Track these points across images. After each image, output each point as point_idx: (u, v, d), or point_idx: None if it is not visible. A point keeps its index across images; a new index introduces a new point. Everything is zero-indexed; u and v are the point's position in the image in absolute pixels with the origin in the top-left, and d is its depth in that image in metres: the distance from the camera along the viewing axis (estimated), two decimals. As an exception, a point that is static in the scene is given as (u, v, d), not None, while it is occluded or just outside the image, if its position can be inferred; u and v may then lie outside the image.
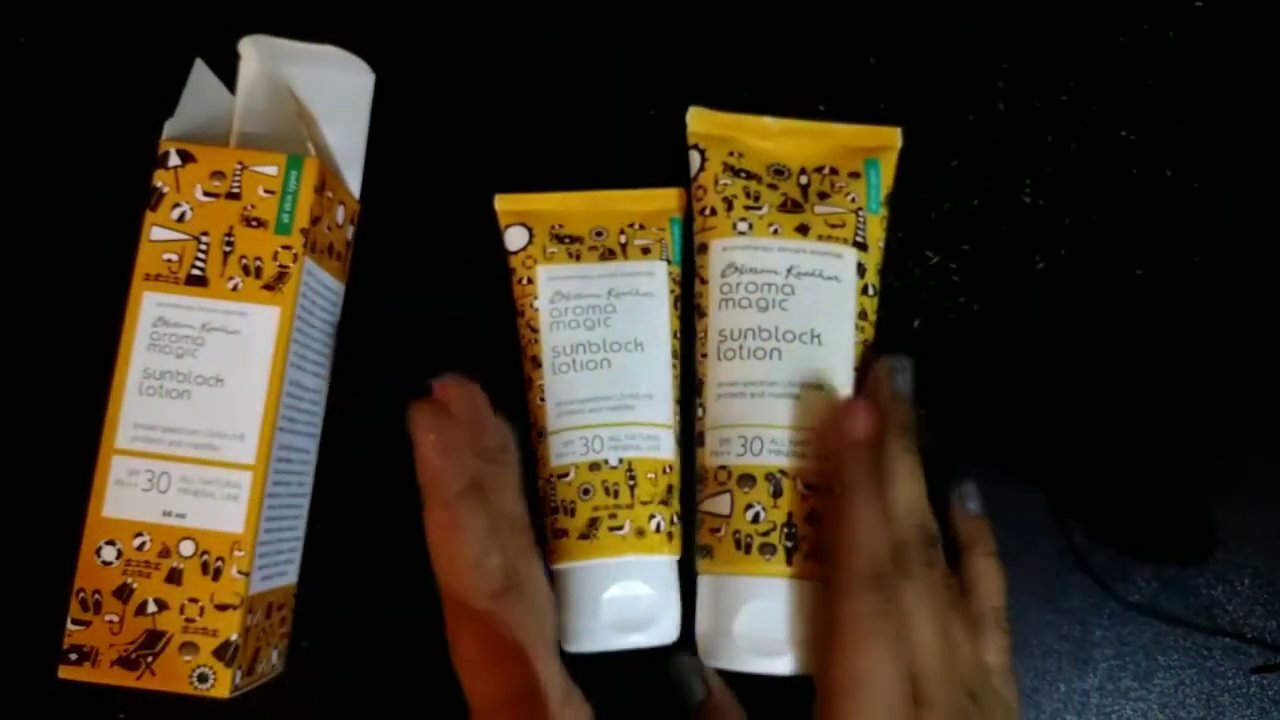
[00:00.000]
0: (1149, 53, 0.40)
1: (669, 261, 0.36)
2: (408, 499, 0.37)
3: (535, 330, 0.36)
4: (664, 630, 0.34)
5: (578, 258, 0.36)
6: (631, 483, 0.34)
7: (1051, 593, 0.37)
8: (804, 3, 0.40)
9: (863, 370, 0.35)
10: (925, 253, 0.39)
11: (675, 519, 0.35)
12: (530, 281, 0.36)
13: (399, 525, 0.37)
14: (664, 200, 0.37)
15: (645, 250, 0.36)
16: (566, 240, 0.36)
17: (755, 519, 0.33)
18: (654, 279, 0.36)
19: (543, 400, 0.35)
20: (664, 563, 0.34)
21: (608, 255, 0.36)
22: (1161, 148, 0.40)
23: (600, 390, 0.35)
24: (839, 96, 0.39)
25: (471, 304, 0.38)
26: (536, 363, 0.35)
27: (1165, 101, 0.40)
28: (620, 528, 0.34)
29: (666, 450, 0.35)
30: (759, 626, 0.32)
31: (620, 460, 0.34)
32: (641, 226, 0.37)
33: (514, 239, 0.36)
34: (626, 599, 0.34)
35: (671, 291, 0.36)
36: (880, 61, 0.40)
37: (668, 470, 0.35)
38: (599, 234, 0.36)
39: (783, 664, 0.32)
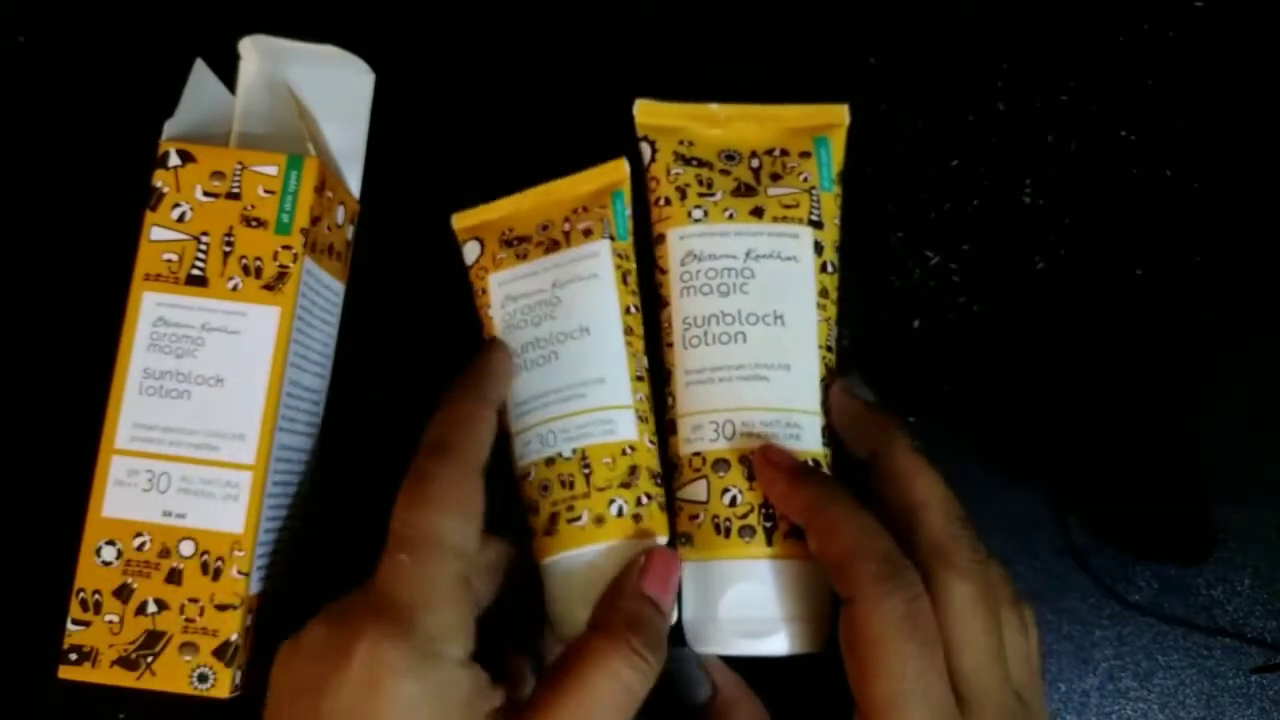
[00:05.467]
0: (1149, 53, 0.40)
1: (612, 238, 0.35)
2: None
3: (494, 338, 0.36)
4: None
5: (525, 257, 0.36)
6: (586, 471, 0.33)
7: (1051, 593, 0.37)
8: (804, 3, 0.40)
9: (827, 382, 0.35)
10: (925, 253, 0.39)
11: (644, 499, 0.34)
12: (485, 291, 0.36)
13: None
14: (606, 176, 0.36)
15: (587, 232, 0.35)
16: (515, 243, 0.36)
17: (732, 502, 0.33)
18: (597, 260, 0.35)
19: (508, 407, 0.35)
20: (630, 546, 0.33)
21: (552, 247, 0.36)
22: (1161, 148, 0.40)
23: (549, 384, 0.34)
24: (839, 97, 0.39)
25: (472, 304, 0.38)
26: None
27: (1165, 101, 0.40)
28: (578, 518, 0.33)
29: (625, 431, 0.34)
30: (745, 608, 0.32)
31: (573, 451, 0.34)
32: (585, 209, 0.36)
33: (469, 254, 0.36)
34: (582, 588, 0.33)
35: (618, 268, 0.35)
36: (880, 61, 0.40)
37: (628, 451, 0.34)
38: (545, 228, 0.36)
39: (771, 644, 0.32)
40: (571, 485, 0.33)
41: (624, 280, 0.35)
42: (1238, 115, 0.40)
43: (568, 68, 0.40)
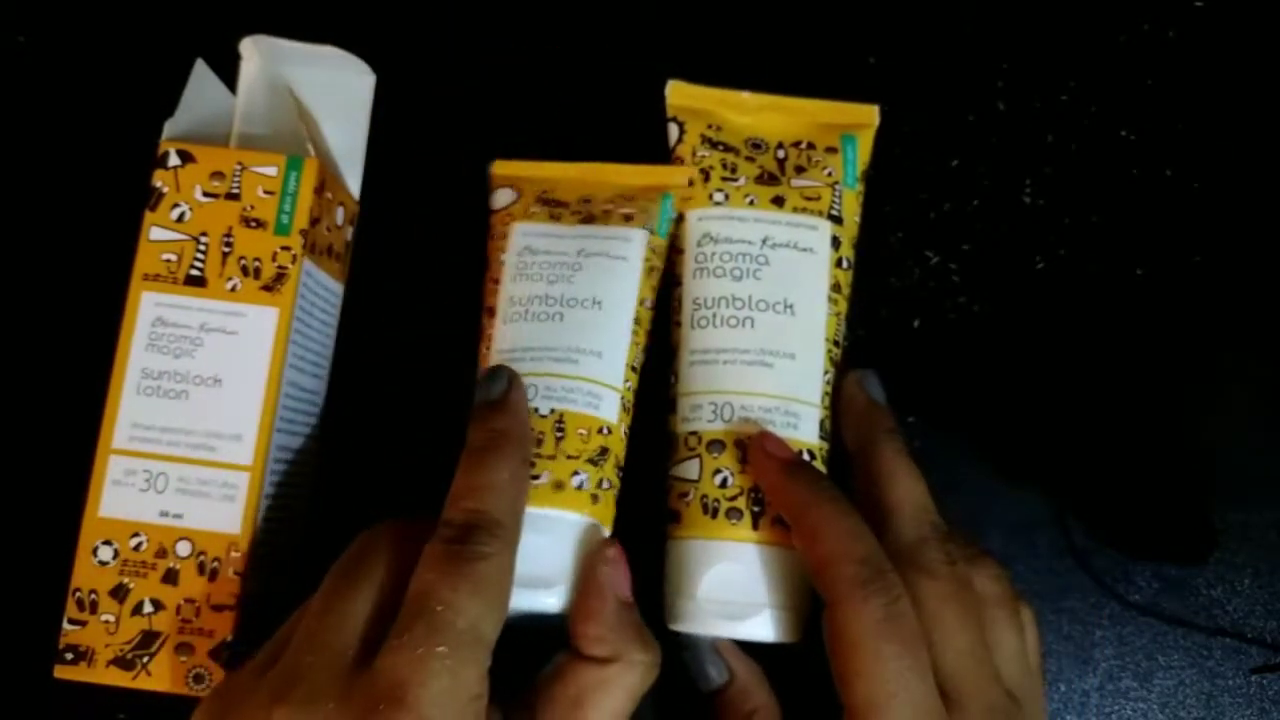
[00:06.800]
0: (1149, 53, 0.40)
1: (651, 231, 0.35)
2: (404, 500, 0.37)
3: (497, 281, 0.35)
4: (556, 597, 0.31)
5: (557, 219, 0.36)
6: (559, 434, 0.32)
7: (1051, 593, 0.37)
8: (804, 3, 0.40)
9: (836, 388, 0.35)
10: (925, 253, 0.39)
11: (605, 484, 0.33)
12: (505, 236, 0.36)
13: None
14: (660, 176, 0.36)
15: (627, 218, 0.35)
16: (551, 204, 0.36)
17: (723, 484, 0.33)
18: (630, 245, 0.35)
19: (488, 349, 0.34)
20: (578, 522, 0.32)
21: (588, 220, 0.35)
22: (1161, 148, 0.40)
23: (544, 340, 0.34)
24: (839, 97, 0.39)
25: (471, 304, 0.38)
26: (491, 313, 0.35)
27: (1165, 101, 0.40)
28: (537, 477, 0.32)
29: (608, 412, 0.33)
30: (724, 590, 0.32)
31: (551, 411, 0.33)
32: (631, 198, 0.36)
33: (500, 199, 0.36)
34: (531, 553, 0.30)
35: (647, 260, 0.35)
36: (880, 61, 0.40)
37: (604, 431, 0.33)
38: (585, 201, 0.36)
39: (748, 628, 0.31)
40: (540, 444, 0.32)
41: (649, 273, 0.35)
42: (1238, 115, 0.40)
43: (567, 68, 0.40)
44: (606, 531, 0.33)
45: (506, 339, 0.34)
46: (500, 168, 0.37)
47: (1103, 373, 0.38)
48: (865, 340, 0.38)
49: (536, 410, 0.33)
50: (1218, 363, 0.38)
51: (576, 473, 0.32)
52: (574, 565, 0.31)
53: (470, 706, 0.26)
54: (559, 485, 0.32)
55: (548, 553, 0.31)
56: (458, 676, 0.25)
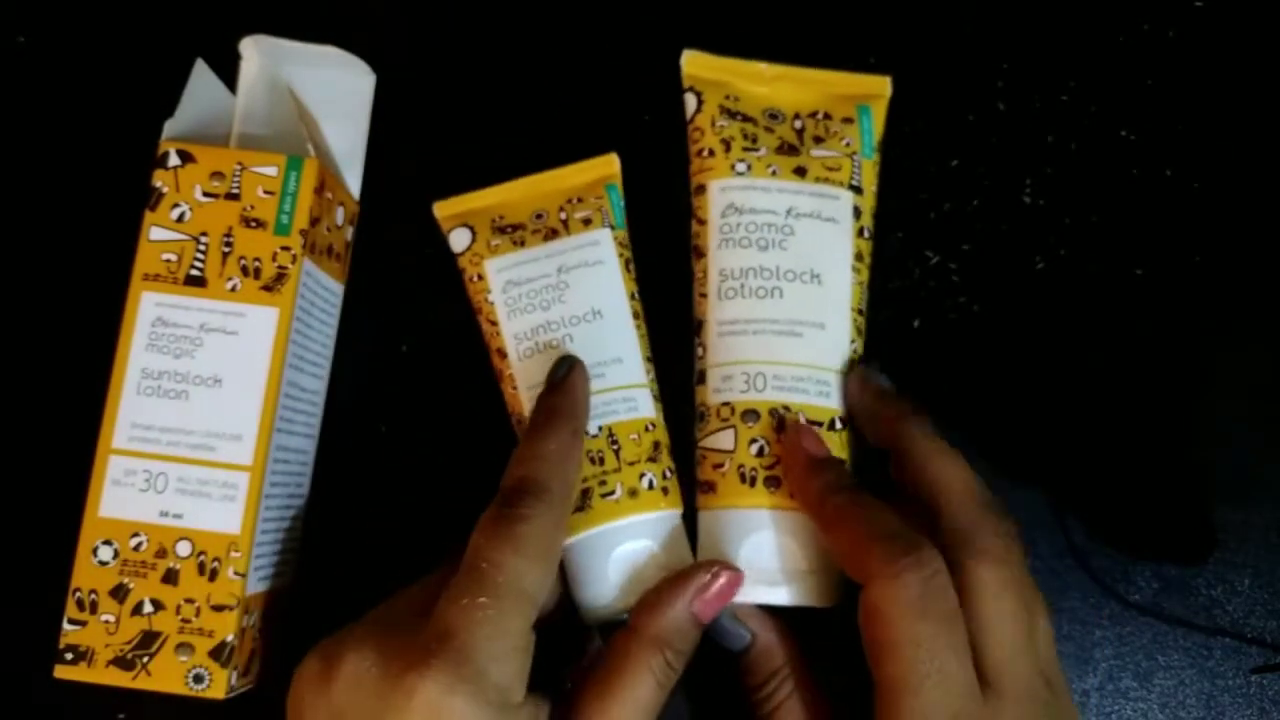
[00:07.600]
0: (1149, 53, 0.40)
1: (612, 227, 0.36)
2: (404, 500, 0.37)
3: (495, 323, 0.36)
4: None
5: (522, 244, 0.36)
6: (615, 447, 0.34)
7: (1051, 593, 0.37)
8: (804, 3, 0.40)
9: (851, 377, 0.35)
10: (925, 253, 0.39)
11: (668, 474, 0.35)
12: (480, 278, 0.36)
13: (397, 526, 0.37)
14: (597, 170, 0.37)
15: (586, 221, 0.36)
16: (509, 230, 0.36)
17: (760, 453, 0.33)
18: (600, 247, 0.36)
19: (515, 388, 0.35)
20: (664, 518, 0.34)
21: (551, 235, 0.36)
22: (1161, 148, 0.40)
23: None
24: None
25: (470, 304, 0.38)
26: (502, 354, 0.35)
27: (1165, 101, 0.40)
28: (612, 493, 0.33)
29: (645, 409, 0.35)
30: (765, 557, 0.32)
31: (600, 428, 0.34)
32: (580, 200, 0.37)
33: (458, 241, 0.37)
34: (631, 560, 0.33)
35: (620, 255, 0.36)
36: (880, 61, 0.40)
37: (650, 428, 0.35)
38: (540, 217, 0.36)
39: (786, 593, 0.32)
40: (601, 461, 0.34)
41: (627, 267, 0.36)
42: (1238, 115, 0.40)
43: (567, 70, 0.40)
44: (679, 511, 0.34)
45: (529, 374, 0.35)
46: (443, 208, 0.37)
47: (1102, 372, 0.38)
48: (866, 340, 0.38)
49: (588, 433, 0.34)
50: (1217, 363, 0.38)
51: (643, 475, 0.34)
52: (662, 559, 0.33)
53: (514, 656, 0.28)
54: (633, 493, 0.34)
55: (641, 558, 0.33)
56: (500, 626, 0.28)
